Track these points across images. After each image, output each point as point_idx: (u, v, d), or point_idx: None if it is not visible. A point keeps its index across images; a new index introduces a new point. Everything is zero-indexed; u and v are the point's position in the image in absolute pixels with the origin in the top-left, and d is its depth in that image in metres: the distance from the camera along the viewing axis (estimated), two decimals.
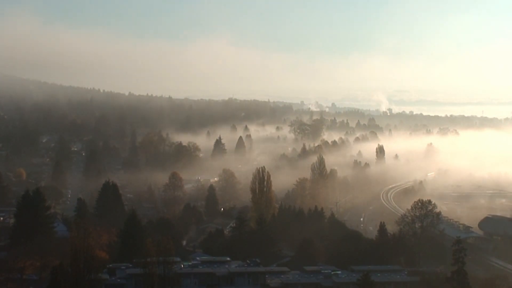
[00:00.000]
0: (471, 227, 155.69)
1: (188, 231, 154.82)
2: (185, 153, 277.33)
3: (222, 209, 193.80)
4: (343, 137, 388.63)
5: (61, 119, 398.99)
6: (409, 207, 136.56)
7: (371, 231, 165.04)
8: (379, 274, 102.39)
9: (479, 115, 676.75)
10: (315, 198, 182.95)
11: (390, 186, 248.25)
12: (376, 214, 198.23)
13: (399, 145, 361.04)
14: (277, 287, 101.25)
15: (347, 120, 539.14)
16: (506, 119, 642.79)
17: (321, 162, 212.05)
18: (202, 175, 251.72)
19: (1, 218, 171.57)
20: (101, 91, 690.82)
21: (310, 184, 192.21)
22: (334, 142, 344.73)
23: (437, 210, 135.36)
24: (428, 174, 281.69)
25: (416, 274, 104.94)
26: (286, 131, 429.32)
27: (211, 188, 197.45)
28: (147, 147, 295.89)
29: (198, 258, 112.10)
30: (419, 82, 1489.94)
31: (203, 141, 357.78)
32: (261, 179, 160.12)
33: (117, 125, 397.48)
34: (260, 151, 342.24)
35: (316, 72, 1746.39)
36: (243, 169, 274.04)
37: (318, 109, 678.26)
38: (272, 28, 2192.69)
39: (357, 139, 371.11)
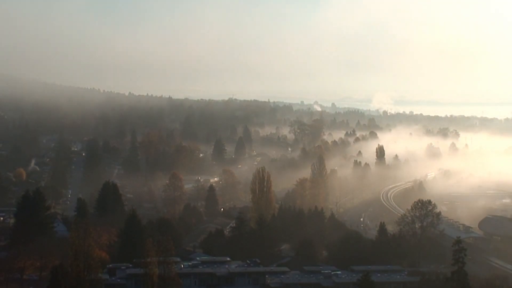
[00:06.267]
0: (471, 227, 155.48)
1: (188, 231, 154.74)
2: (185, 153, 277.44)
3: (222, 209, 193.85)
4: (343, 137, 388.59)
5: (61, 119, 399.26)
6: (409, 207, 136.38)
7: (371, 231, 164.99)
8: (379, 274, 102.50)
9: (479, 115, 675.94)
10: (315, 198, 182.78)
11: (390, 186, 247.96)
12: (376, 214, 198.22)
13: (399, 145, 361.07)
14: (277, 287, 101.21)
15: (347, 120, 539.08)
16: (506, 119, 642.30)
17: (321, 162, 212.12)
18: (202, 175, 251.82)
19: (1, 218, 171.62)
20: (101, 91, 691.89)
21: (310, 184, 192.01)
22: (334, 142, 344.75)
23: (437, 210, 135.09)
24: (428, 174, 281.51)
25: (416, 274, 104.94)
26: (286, 131, 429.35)
27: (211, 188, 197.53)
28: (147, 147, 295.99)
29: (198, 258, 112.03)
30: (419, 82, 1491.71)
31: (203, 141, 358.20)
32: (261, 179, 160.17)
33: (117, 125, 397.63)
34: (260, 151, 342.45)
35: (316, 72, 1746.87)
36: (243, 169, 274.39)
37: (319, 109, 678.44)
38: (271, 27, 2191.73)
39: (357, 139, 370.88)
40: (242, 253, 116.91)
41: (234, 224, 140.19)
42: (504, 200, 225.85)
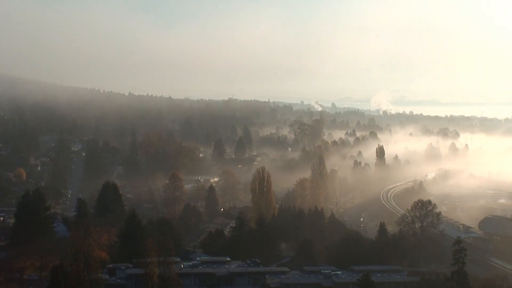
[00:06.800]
0: (471, 227, 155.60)
1: (188, 231, 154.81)
2: (185, 153, 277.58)
3: (222, 209, 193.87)
4: (343, 137, 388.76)
5: (61, 119, 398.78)
6: (409, 207, 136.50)
7: (371, 231, 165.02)
8: (379, 274, 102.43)
9: (479, 115, 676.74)
10: (315, 198, 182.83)
11: (390, 186, 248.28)
12: (376, 214, 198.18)
13: (399, 145, 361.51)
14: (277, 287, 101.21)
15: (347, 120, 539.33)
16: (506, 119, 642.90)
17: (321, 162, 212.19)
18: (202, 175, 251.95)
19: (1, 218, 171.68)
20: (101, 91, 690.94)
21: (310, 184, 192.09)
22: (334, 142, 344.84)
23: (437, 210, 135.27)
24: (428, 174, 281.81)
25: (416, 274, 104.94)
26: (286, 131, 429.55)
27: (211, 188, 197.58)
28: (147, 147, 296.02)
29: (198, 258, 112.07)
30: (419, 82, 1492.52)
31: (203, 141, 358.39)
32: (261, 179, 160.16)
33: (117, 125, 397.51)
34: (260, 151, 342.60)
35: (316, 72, 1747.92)
36: (243, 169, 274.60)
37: (319, 109, 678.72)
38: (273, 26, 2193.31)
39: (357, 139, 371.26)
40: (242, 253, 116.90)
41: (234, 224, 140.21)
42: (504, 200, 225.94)
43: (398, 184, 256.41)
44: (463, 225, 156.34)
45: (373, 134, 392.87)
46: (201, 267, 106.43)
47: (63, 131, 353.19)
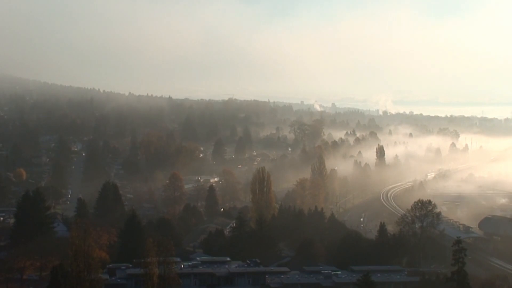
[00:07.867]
0: (471, 227, 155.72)
1: (188, 231, 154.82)
2: (185, 153, 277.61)
3: (222, 209, 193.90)
4: (343, 137, 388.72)
5: (61, 119, 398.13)
6: (409, 207, 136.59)
7: (371, 231, 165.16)
8: (379, 274, 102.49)
9: (479, 116, 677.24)
10: (315, 198, 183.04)
11: (390, 186, 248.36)
12: (376, 214, 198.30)
13: (399, 145, 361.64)
14: (277, 287, 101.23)
15: (347, 120, 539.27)
16: (506, 119, 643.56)
17: (321, 162, 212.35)
18: (202, 175, 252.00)
19: (1, 218, 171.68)
20: (101, 91, 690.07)
21: (310, 184, 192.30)
22: (334, 143, 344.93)
23: (437, 210, 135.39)
24: (428, 174, 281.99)
25: (416, 274, 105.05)
26: (286, 132, 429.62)
27: (211, 188, 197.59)
28: (147, 147, 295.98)
29: (198, 258, 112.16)
30: (419, 82, 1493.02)
31: (203, 141, 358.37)
32: (261, 180, 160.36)
33: (117, 125, 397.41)
34: (260, 151, 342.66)
35: (316, 72, 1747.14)
36: (243, 169, 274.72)
37: (319, 109, 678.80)
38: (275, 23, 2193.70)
39: (357, 139, 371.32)
40: (242, 253, 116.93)
41: (234, 224, 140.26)
42: (504, 200, 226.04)
43: (398, 184, 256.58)
44: (463, 225, 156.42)
45: (373, 134, 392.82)
46: (201, 267, 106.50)
47: (63, 131, 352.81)
